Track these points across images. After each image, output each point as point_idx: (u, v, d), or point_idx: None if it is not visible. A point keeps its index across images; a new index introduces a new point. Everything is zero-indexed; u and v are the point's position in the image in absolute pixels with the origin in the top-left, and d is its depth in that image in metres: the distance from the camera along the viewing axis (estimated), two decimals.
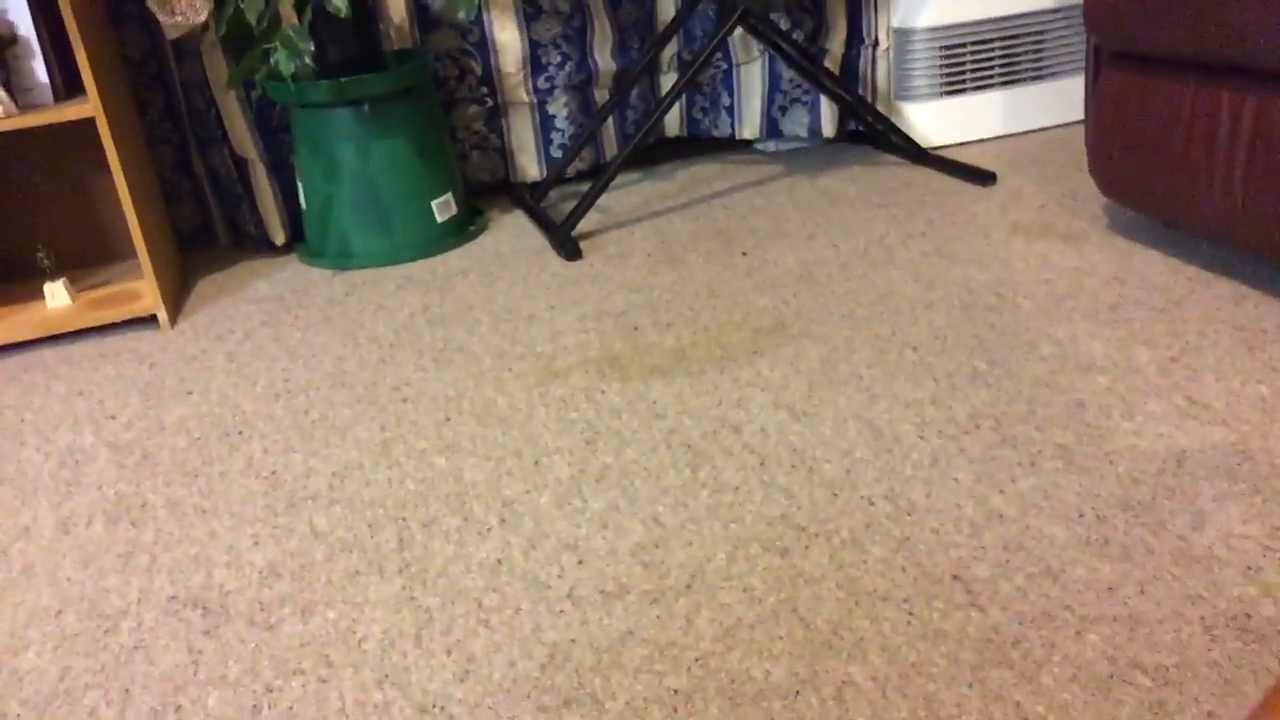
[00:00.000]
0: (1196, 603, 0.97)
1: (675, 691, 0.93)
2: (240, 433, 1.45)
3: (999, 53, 2.33)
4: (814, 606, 1.01)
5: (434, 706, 0.94)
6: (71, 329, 1.82)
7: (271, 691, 0.97)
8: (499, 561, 1.12)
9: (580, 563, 1.11)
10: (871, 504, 1.16)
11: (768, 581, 1.06)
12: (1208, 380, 1.33)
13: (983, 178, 2.12)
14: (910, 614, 0.99)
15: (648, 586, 1.06)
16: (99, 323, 1.82)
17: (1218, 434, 1.22)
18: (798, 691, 0.91)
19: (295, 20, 1.88)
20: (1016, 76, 2.36)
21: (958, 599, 1.00)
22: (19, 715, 0.98)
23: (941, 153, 2.32)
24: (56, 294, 1.86)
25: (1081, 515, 1.10)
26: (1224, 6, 1.40)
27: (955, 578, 1.03)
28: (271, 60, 1.80)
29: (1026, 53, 2.34)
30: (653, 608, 1.03)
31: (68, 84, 1.81)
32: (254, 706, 0.96)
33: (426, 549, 1.15)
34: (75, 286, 1.94)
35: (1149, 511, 1.10)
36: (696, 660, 0.96)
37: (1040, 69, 2.36)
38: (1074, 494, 1.14)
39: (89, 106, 1.70)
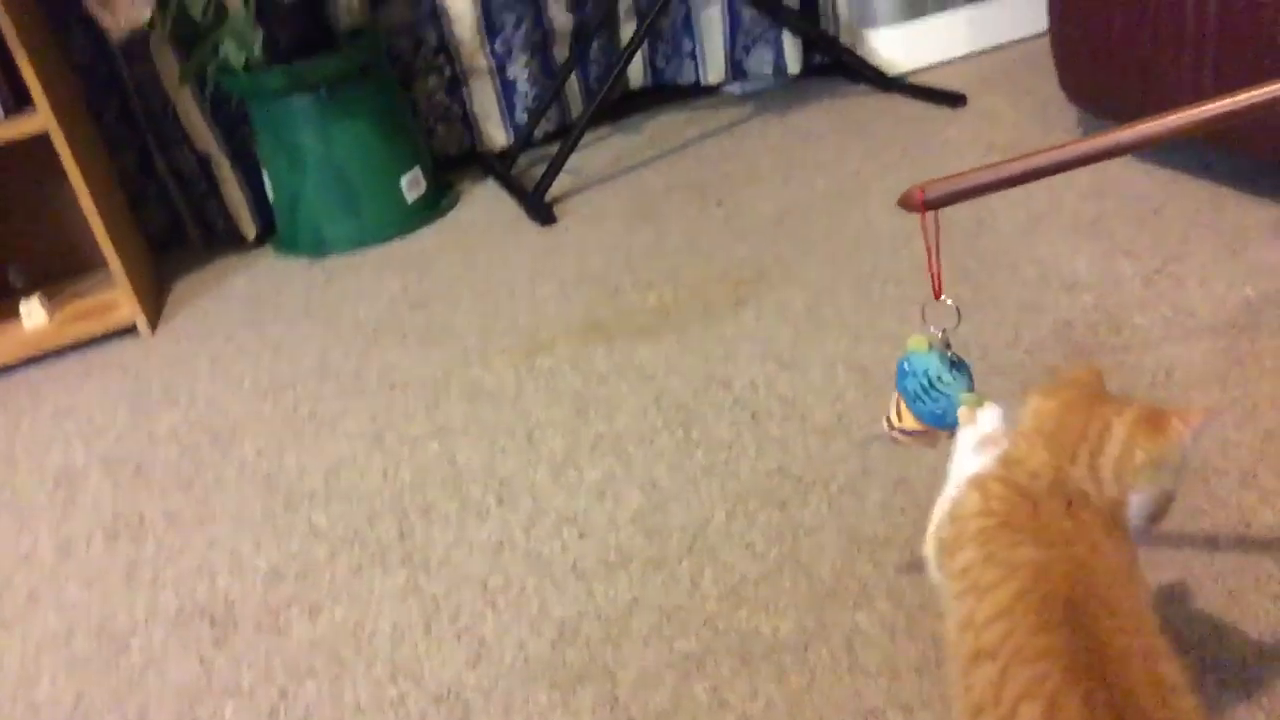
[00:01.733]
0: (1197, 516, 0.97)
1: (686, 656, 0.93)
2: (231, 436, 1.44)
3: None
4: (816, 557, 1.02)
5: (449, 695, 0.94)
6: (52, 347, 1.81)
7: (286, 696, 0.98)
8: (500, 542, 1.12)
9: (581, 535, 1.11)
10: (865, 447, 1.16)
11: (768, 536, 1.06)
12: (1192, 288, 1.33)
13: (953, 100, 2.09)
14: (912, 555, 0.99)
15: (650, 553, 1.06)
16: (79, 338, 1.81)
17: (1205, 342, 1.22)
18: (807, 644, 0.92)
19: (241, 8, 1.84)
20: None
21: None
22: None
23: (910, 77, 2.29)
24: (33, 312, 1.84)
25: None
26: None
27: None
28: (221, 52, 1.76)
29: None
30: (657, 574, 1.03)
31: (16, 97, 1.77)
32: (270, 712, 0.96)
33: (427, 536, 1.15)
34: (51, 302, 1.92)
35: None
36: (704, 622, 0.97)
37: None
38: None
39: (40, 120, 1.67)
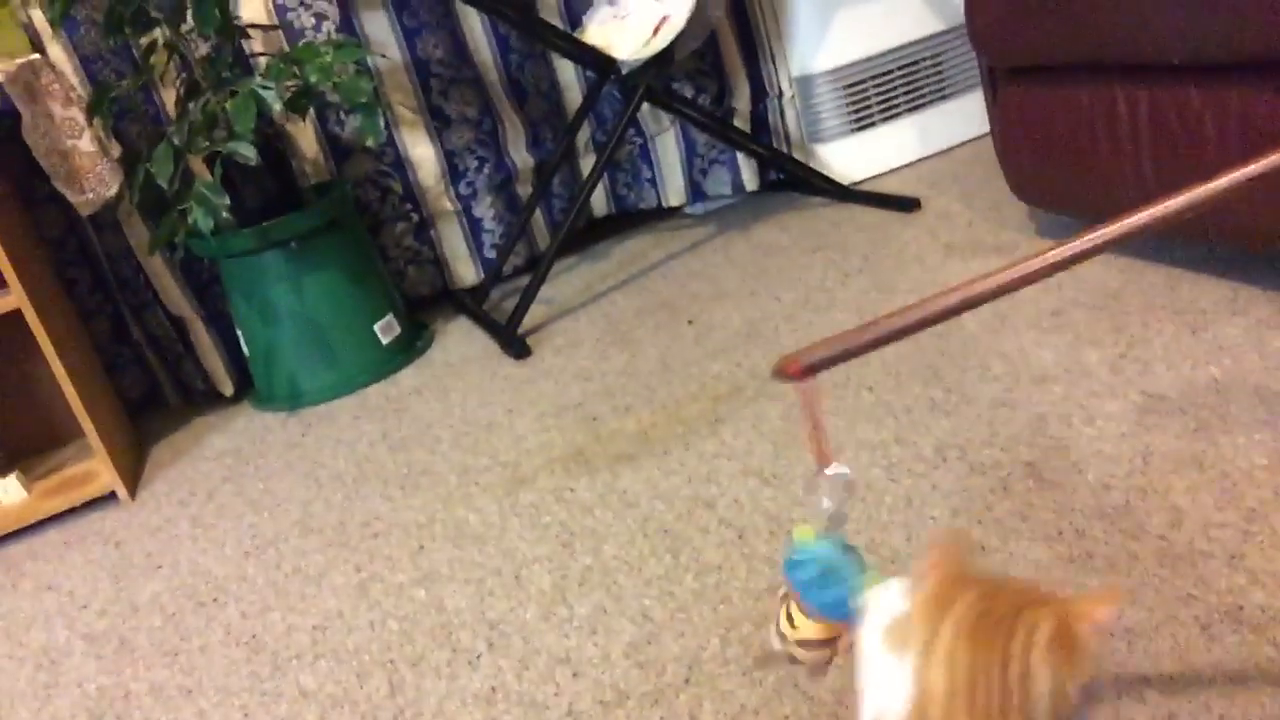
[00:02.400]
0: (1188, 603, 0.97)
1: None
2: (215, 600, 1.42)
3: (900, 81, 2.38)
4: (815, 678, 1.00)
5: None
6: (31, 521, 1.79)
7: None
8: (493, 689, 1.10)
9: (575, 675, 1.09)
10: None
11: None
12: (1159, 371, 1.34)
13: (907, 205, 2.15)
14: None
15: (646, 688, 1.04)
16: (58, 510, 1.79)
17: (1178, 424, 1.23)
18: None
19: (207, 174, 1.89)
20: (922, 101, 2.41)
21: None
22: None
23: (863, 186, 2.35)
24: (10, 489, 1.82)
25: (1060, 532, 1.10)
26: (1098, 12, 1.44)
27: None
28: (190, 219, 1.80)
29: (927, 76, 2.40)
30: (654, 710, 1.01)
31: None
32: None
33: (419, 690, 1.13)
34: (28, 476, 1.91)
35: (1126, 516, 1.10)
36: None
37: (943, 89, 2.42)
38: (1050, 511, 1.14)
39: (12, 298, 1.68)
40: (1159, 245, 1.67)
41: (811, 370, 0.77)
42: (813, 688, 0.99)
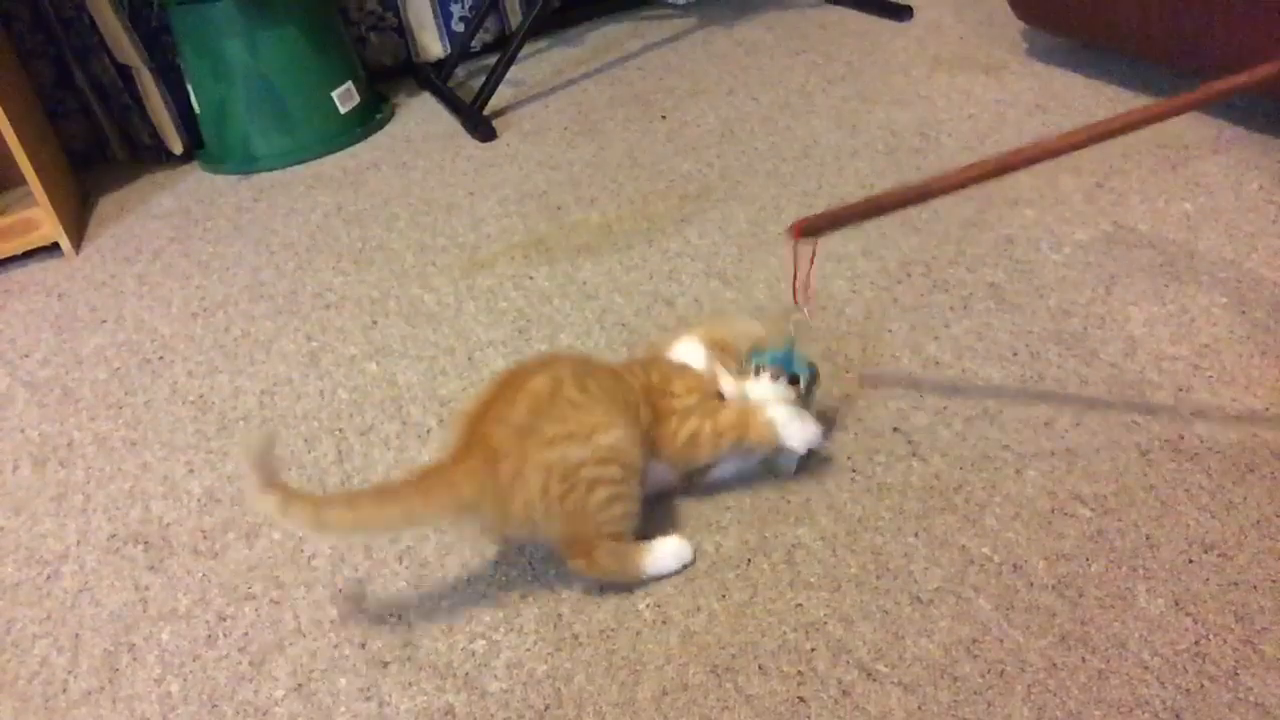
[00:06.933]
0: (1131, 429, 0.99)
1: None
2: (161, 358, 1.40)
3: None
4: (760, 474, 1.01)
5: (391, 616, 0.93)
6: None
7: (225, 619, 0.96)
8: None
9: None
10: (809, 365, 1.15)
11: None
12: (1133, 203, 1.33)
13: (899, 12, 2.06)
14: (854, 471, 0.99)
15: None
16: None
17: (1145, 256, 1.23)
18: (749, 559, 0.92)
19: None
20: None
21: (899, 451, 1.01)
22: None
23: None
24: None
25: (1015, 353, 1.11)
26: None
27: (895, 430, 1.04)
28: None
29: None
30: None
31: None
32: (208, 637, 0.95)
33: (366, 458, 1.13)
34: None
35: (1081, 343, 1.11)
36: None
37: None
38: (1007, 333, 1.14)
39: None
40: (1150, 77, 1.63)
41: (812, 232, 0.92)
42: (759, 485, 1.00)
